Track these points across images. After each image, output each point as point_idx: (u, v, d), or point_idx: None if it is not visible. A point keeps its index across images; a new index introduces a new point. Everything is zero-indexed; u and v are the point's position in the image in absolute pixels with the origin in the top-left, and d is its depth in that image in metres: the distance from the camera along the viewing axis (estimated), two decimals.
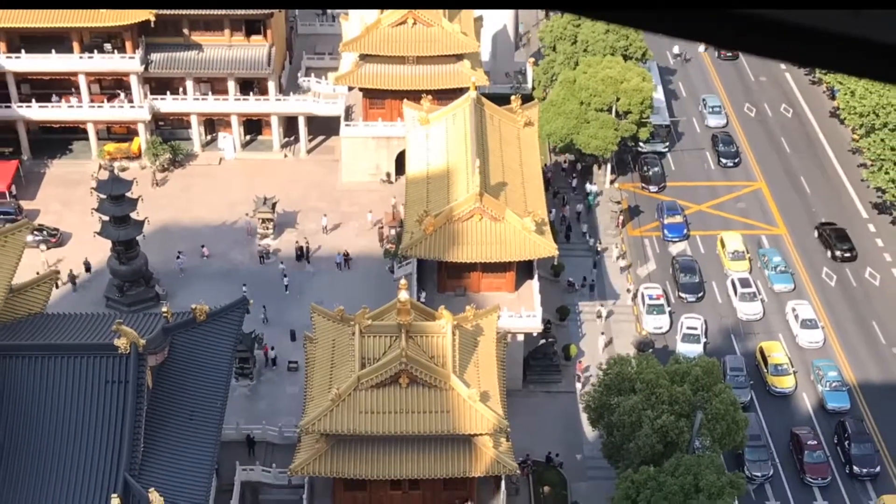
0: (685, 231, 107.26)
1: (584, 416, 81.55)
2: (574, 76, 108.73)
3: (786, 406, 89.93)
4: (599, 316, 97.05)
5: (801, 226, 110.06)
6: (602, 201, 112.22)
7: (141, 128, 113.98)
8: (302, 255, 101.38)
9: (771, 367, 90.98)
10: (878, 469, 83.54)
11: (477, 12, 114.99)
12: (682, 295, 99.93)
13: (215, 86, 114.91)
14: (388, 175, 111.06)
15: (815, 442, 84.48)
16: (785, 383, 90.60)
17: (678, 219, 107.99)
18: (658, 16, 4.03)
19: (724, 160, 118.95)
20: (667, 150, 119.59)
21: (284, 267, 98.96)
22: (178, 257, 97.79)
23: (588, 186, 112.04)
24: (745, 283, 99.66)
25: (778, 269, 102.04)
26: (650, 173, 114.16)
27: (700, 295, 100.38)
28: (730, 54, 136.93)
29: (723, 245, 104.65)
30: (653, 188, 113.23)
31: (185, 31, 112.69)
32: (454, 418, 69.07)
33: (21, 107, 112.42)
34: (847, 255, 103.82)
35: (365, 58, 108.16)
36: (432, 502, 73.79)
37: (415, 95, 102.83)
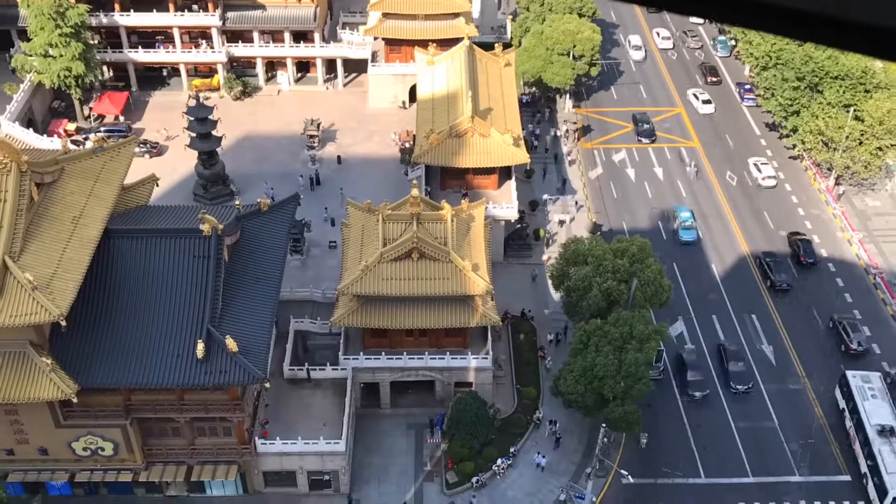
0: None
1: (549, 282, 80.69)
2: (542, 29, 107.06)
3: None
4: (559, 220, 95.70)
5: (710, 140, 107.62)
6: (560, 123, 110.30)
7: (220, 67, 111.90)
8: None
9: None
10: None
11: None
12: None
13: (275, 36, 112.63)
14: (404, 103, 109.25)
15: None
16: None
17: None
18: None
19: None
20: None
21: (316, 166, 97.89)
22: (266, 185, 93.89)
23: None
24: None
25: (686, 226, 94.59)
26: (643, 129, 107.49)
27: None
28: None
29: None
30: (644, 140, 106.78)
31: None
32: (453, 283, 68.13)
33: (131, 52, 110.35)
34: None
35: (386, 15, 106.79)
36: (437, 346, 72.97)
37: (423, 44, 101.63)
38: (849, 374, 74.46)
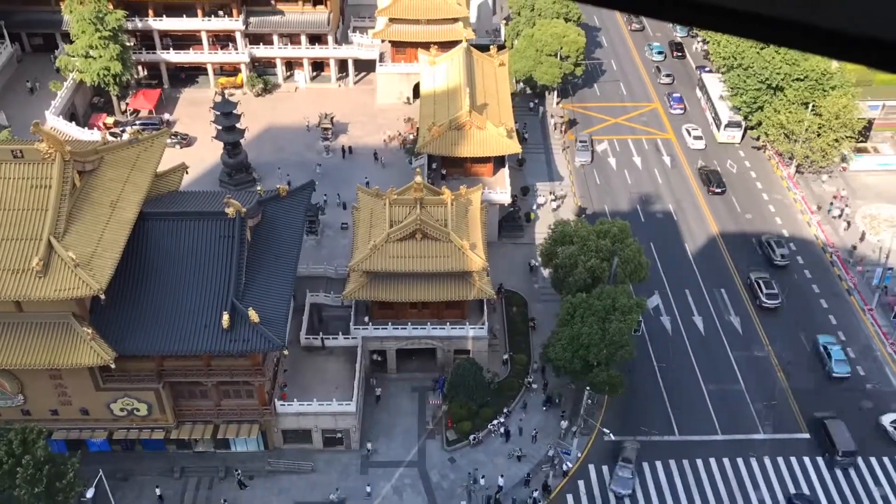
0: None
1: (539, 259, 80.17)
2: (532, 32, 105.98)
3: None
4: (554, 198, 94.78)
5: (683, 133, 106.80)
6: (547, 116, 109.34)
7: (243, 67, 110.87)
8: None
9: None
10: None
11: None
12: None
13: (292, 39, 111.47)
14: (408, 98, 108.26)
15: None
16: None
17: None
18: None
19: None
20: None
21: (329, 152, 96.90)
22: (280, 171, 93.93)
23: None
24: None
25: None
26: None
27: None
28: (638, 26, 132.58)
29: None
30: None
31: (273, 1, 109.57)
32: (452, 261, 67.53)
33: (163, 53, 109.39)
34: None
35: (393, 20, 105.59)
36: (438, 317, 72.42)
37: (426, 46, 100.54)
38: (704, 76, 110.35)
